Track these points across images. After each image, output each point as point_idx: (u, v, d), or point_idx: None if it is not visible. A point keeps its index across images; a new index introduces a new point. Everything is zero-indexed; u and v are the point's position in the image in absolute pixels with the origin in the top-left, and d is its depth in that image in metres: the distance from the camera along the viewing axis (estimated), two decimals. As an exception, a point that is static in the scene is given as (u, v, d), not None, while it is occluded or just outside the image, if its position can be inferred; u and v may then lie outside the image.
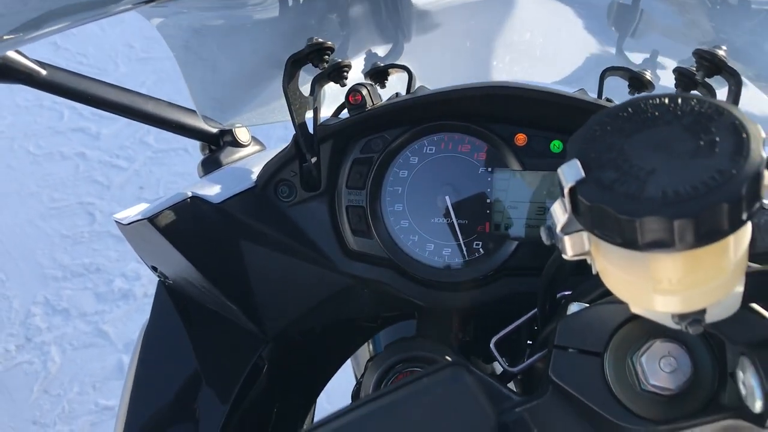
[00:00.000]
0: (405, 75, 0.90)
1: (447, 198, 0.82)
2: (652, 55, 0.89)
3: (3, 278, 2.89)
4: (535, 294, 0.85)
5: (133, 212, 0.83)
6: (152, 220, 0.78)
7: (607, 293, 0.69)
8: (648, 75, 0.84)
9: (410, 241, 0.84)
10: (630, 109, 0.46)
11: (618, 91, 0.85)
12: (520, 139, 0.80)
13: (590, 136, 0.45)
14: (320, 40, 0.76)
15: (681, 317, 0.46)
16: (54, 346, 2.66)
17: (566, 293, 0.76)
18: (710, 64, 0.71)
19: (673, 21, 0.87)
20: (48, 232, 3.03)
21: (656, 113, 0.45)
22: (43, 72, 0.85)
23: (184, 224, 0.81)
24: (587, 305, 0.67)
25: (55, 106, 3.51)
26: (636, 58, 0.91)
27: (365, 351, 1.30)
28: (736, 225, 0.39)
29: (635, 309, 0.48)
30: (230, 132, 0.95)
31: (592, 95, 0.84)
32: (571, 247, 0.46)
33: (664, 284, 0.44)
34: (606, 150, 0.44)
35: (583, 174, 0.43)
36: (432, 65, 0.95)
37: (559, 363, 0.64)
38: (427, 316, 0.94)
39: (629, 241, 0.41)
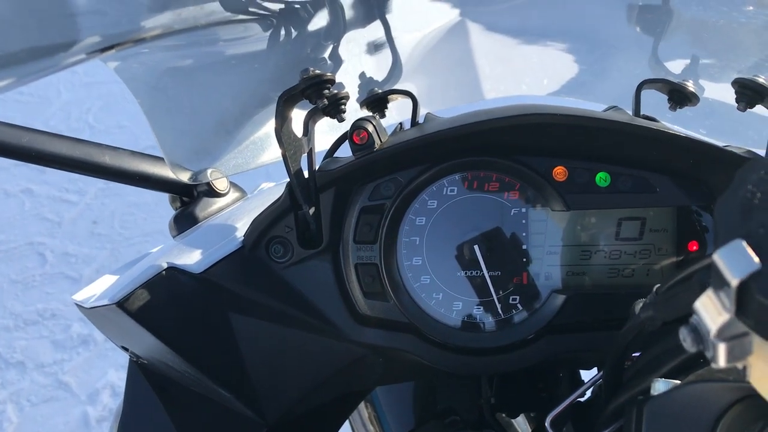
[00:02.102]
0: (405, 100, 0.77)
1: (475, 247, 0.69)
2: (692, 61, 0.78)
3: (-52, 331, 2.67)
4: (582, 351, 0.73)
5: (96, 289, 0.69)
6: (122, 304, 0.64)
7: (697, 365, 0.56)
8: (691, 86, 0.72)
9: (433, 301, 0.71)
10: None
11: (654, 105, 0.74)
12: (560, 172, 0.68)
13: (748, 205, 0.33)
14: (317, 72, 0.62)
15: None
16: (10, 404, 2.45)
17: (635, 355, 0.63)
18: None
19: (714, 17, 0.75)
20: (-4, 278, 2.82)
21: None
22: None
23: (159, 302, 0.67)
24: (677, 382, 0.55)
25: None
26: (672, 67, 0.79)
27: (362, 407, 1.16)
28: None
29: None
30: (208, 183, 0.80)
31: (628, 112, 0.72)
32: (728, 355, 0.33)
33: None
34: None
35: (758, 264, 0.30)
36: (435, 87, 0.82)
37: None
38: (452, 379, 0.81)
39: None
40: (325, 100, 0.62)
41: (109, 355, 2.53)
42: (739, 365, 0.36)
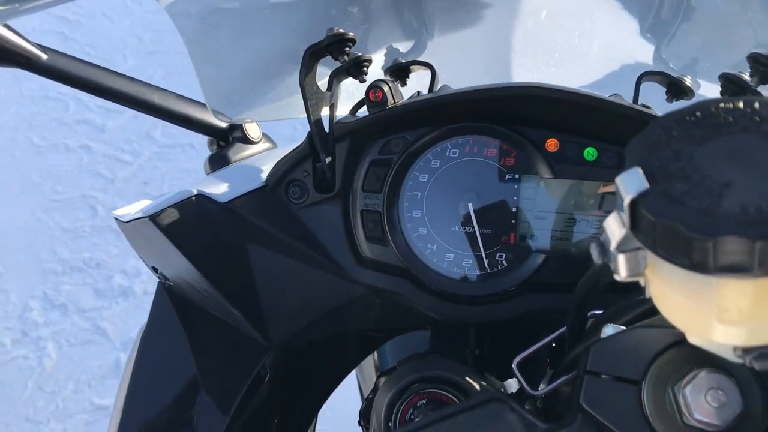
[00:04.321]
0: (427, 73, 0.84)
1: (469, 205, 0.77)
2: (692, 60, 0.84)
3: (1, 271, 2.84)
4: (559, 312, 0.79)
5: (133, 209, 0.78)
6: (154, 218, 0.73)
7: (645, 315, 0.64)
8: (688, 81, 0.78)
9: (428, 250, 0.79)
10: (699, 113, 0.40)
11: (654, 98, 0.80)
12: (552, 144, 0.75)
13: (654, 142, 0.40)
14: (341, 30, 0.70)
15: (746, 350, 0.41)
16: (51, 342, 2.61)
17: (597, 312, 0.70)
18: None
19: (723, 21, 0.81)
20: (49, 225, 2.98)
21: (730, 118, 0.39)
22: (44, 56, 0.79)
23: (188, 223, 0.76)
24: (623, 328, 0.62)
25: (60, 97, 3.46)
26: (675, 63, 0.85)
27: (370, 362, 1.24)
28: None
29: (693, 339, 0.43)
30: (240, 128, 0.89)
31: (628, 100, 0.79)
32: (626, 267, 0.40)
33: (731, 314, 0.38)
34: (673, 158, 0.38)
35: (647, 185, 0.37)
36: (456, 64, 0.90)
37: (592, 390, 0.58)
38: (441, 330, 0.89)
39: (699, 264, 0.35)
40: (346, 57, 0.71)
41: (146, 308, 2.66)
42: (641, 282, 0.43)
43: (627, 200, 0.38)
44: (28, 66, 0.78)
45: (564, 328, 0.74)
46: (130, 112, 3.41)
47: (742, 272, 0.35)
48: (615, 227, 0.40)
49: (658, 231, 0.36)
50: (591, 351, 0.60)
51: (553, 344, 0.76)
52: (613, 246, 0.40)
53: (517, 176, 0.76)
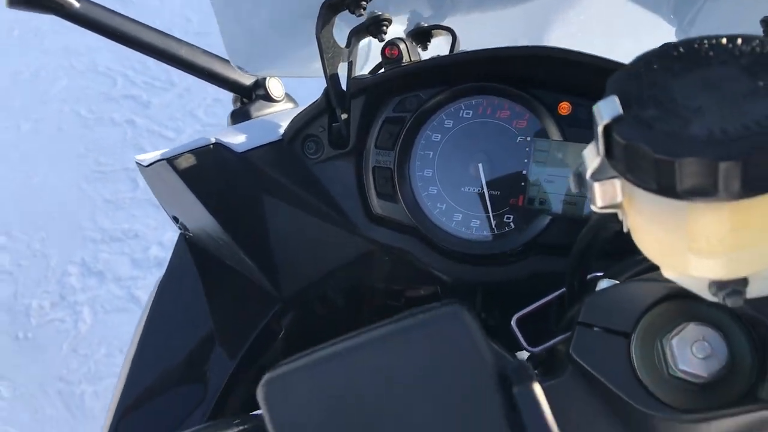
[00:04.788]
0: (448, 39, 0.85)
1: (480, 166, 0.78)
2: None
3: (44, 236, 2.93)
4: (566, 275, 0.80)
5: (155, 155, 0.81)
6: (171, 161, 0.76)
7: (642, 273, 0.64)
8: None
9: (437, 209, 0.80)
10: (682, 48, 0.41)
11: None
12: (564, 107, 0.75)
13: (634, 74, 0.40)
14: (357, -17, 0.72)
15: (719, 286, 0.41)
16: (86, 307, 2.68)
17: (598, 274, 0.70)
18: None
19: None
20: (91, 196, 3.07)
21: (711, 53, 0.40)
22: (77, 4, 0.83)
23: (205, 170, 0.78)
24: (617, 282, 0.62)
25: (109, 72, 3.55)
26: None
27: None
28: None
29: (667, 273, 0.43)
30: (263, 86, 0.92)
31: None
32: (601, 196, 0.41)
33: (702, 243, 0.39)
34: (649, 87, 0.39)
35: (620, 111, 0.38)
36: (478, 30, 0.91)
37: (582, 341, 0.59)
38: (449, 294, 0.90)
39: (666, 187, 0.36)
40: (362, 11, 0.72)
41: (179, 280, 2.72)
42: (619, 215, 0.43)
43: (601, 126, 0.38)
44: (62, 12, 0.81)
45: (564, 288, 0.74)
46: (175, 90, 3.48)
47: (708, 196, 0.35)
48: (591, 155, 0.40)
49: (628, 154, 0.37)
50: (584, 304, 0.60)
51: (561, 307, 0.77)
52: (588, 174, 0.41)
53: (528, 139, 0.77)
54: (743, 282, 0.41)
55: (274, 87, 0.91)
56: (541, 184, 0.77)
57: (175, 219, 0.90)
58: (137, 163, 0.81)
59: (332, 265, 0.85)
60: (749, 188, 0.34)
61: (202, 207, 0.79)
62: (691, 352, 0.53)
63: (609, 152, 0.39)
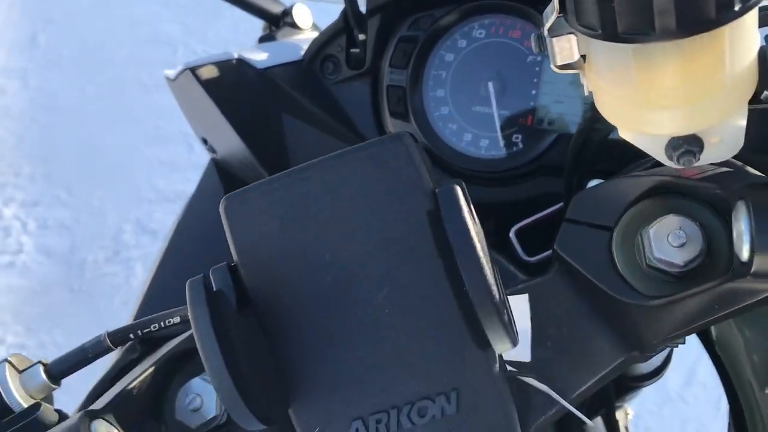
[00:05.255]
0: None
1: (490, 85, 0.79)
2: None
3: (101, 195, 3.05)
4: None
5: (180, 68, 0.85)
6: (194, 70, 0.80)
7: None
8: None
9: (448, 130, 0.81)
10: None
11: None
12: (575, 26, 0.76)
13: None
14: None
15: (673, 146, 0.42)
16: (139, 263, 2.79)
17: (596, 182, 0.71)
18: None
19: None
20: (148, 157, 3.17)
21: None
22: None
23: (227, 82, 0.82)
24: (604, 181, 0.63)
25: (170, 41, 3.66)
26: None
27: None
28: (725, 15, 0.35)
29: (624, 133, 0.44)
30: (291, 14, 0.95)
31: None
32: (559, 53, 0.42)
33: (651, 93, 0.40)
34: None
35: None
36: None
37: (567, 236, 0.60)
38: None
39: (609, 31, 0.37)
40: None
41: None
42: (582, 78, 0.45)
43: (553, -17, 0.40)
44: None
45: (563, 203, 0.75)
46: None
47: (646, 35, 0.36)
48: (549, 14, 0.42)
49: (577, 2, 0.38)
50: (571, 201, 0.62)
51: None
52: (545, 30, 0.42)
53: (539, 59, 0.78)
54: (696, 141, 0.42)
55: (302, 16, 0.94)
56: (550, 105, 0.78)
57: (204, 141, 0.95)
58: (166, 77, 0.86)
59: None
60: (685, 26, 0.35)
61: (225, 121, 0.83)
62: (667, 241, 0.54)
63: (562, 6, 0.40)
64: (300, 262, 0.38)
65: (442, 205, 0.33)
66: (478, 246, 0.32)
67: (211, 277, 0.40)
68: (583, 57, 0.42)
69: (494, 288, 0.32)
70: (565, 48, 0.42)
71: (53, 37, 3.57)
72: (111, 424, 0.52)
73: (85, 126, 3.30)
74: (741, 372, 0.86)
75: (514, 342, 0.34)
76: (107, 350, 0.57)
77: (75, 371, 0.57)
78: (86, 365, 0.58)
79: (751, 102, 0.41)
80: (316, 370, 0.38)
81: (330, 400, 0.38)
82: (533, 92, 0.78)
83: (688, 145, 0.41)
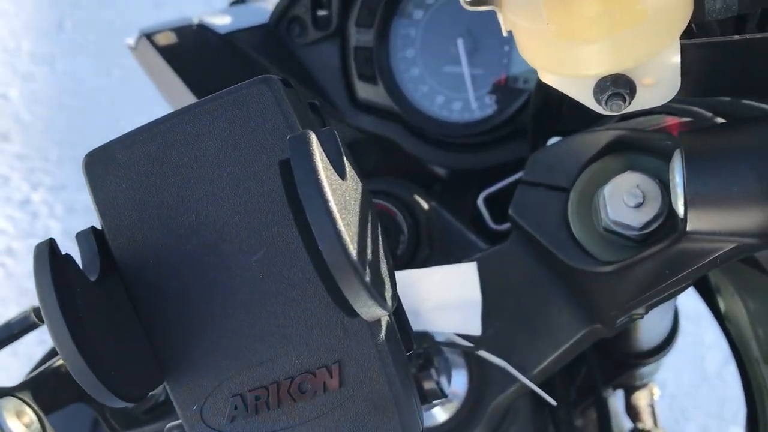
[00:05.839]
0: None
1: (459, 41, 0.74)
2: None
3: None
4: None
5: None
6: (150, 36, 0.76)
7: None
8: None
9: (419, 92, 0.76)
10: None
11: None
12: (547, -24, 0.70)
13: None
14: None
15: (601, 88, 0.37)
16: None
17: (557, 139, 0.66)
18: None
19: None
20: None
21: None
22: None
23: (187, 49, 0.78)
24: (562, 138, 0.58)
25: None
26: None
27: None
28: None
29: (546, 76, 0.39)
30: (264, -23, 0.91)
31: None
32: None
33: (565, 26, 0.35)
34: None
35: None
36: None
37: (522, 200, 0.56)
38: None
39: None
40: None
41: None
42: (498, 17, 0.40)
43: None
44: None
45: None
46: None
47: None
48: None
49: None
50: (527, 161, 0.57)
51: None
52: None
53: (512, 13, 0.72)
54: (625, 82, 0.36)
55: (274, -20, 0.90)
56: (523, 62, 0.73)
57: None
58: (128, 46, 0.82)
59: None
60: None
61: (187, 89, 0.80)
62: (623, 201, 0.49)
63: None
64: (165, 224, 0.35)
65: (291, 154, 0.29)
66: (331, 199, 0.28)
67: (77, 242, 0.37)
68: (497, -10, 0.38)
69: (349, 246, 0.28)
70: (481, -18, 0.37)
71: (79, 22, 3.60)
72: (25, 402, 0.49)
73: (112, 110, 3.32)
74: (747, 347, 0.80)
75: (384, 308, 0.30)
76: (33, 326, 0.54)
77: (1, 348, 0.55)
78: (13, 341, 0.55)
79: (685, 36, 0.36)
80: (189, 342, 0.34)
81: (205, 375, 0.35)
82: (506, 48, 0.73)
83: (616, 86, 0.36)
